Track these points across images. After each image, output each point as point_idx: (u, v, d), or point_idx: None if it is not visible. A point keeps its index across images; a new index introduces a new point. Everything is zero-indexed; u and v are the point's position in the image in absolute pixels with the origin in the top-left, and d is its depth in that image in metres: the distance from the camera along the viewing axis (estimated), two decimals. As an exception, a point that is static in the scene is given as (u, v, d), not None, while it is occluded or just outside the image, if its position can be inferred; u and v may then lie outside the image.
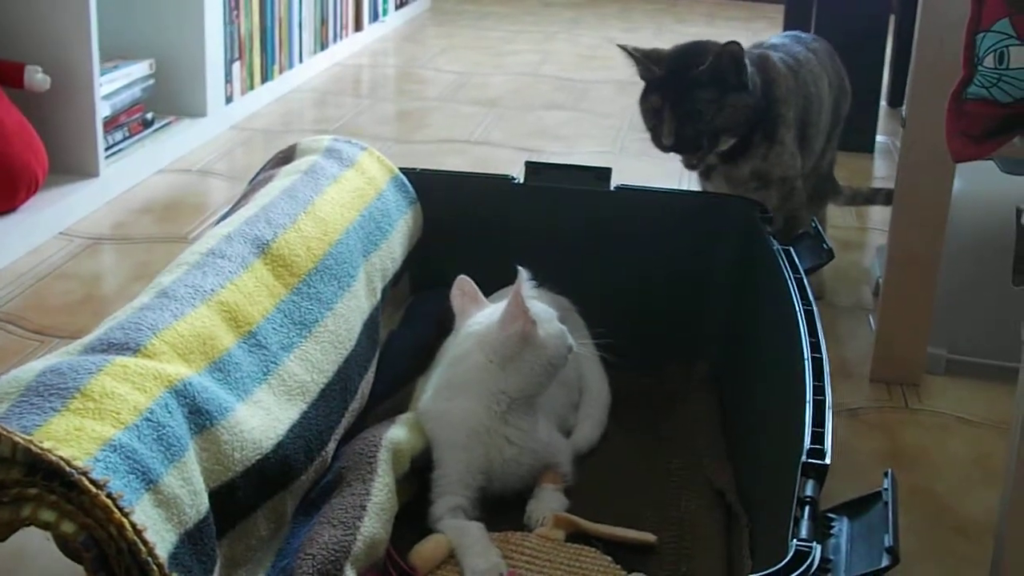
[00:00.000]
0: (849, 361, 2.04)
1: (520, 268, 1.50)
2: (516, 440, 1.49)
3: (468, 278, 1.60)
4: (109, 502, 0.98)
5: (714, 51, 1.95)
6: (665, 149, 2.01)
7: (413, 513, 1.43)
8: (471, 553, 1.36)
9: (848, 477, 1.66)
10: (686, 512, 1.49)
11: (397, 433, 1.46)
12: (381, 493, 1.35)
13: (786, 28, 4.47)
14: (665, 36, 4.85)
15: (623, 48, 2.02)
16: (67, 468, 0.97)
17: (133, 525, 0.99)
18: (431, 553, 1.36)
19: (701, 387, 1.78)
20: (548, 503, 1.47)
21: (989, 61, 1.41)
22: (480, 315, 1.56)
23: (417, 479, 1.47)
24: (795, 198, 2.12)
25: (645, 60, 2.01)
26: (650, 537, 1.43)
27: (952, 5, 1.68)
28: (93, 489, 0.97)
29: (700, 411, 1.72)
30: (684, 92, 1.95)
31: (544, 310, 1.54)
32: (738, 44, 1.95)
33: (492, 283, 1.73)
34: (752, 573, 0.96)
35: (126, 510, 0.99)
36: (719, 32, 5.03)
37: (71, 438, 1.01)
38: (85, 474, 0.98)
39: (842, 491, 1.13)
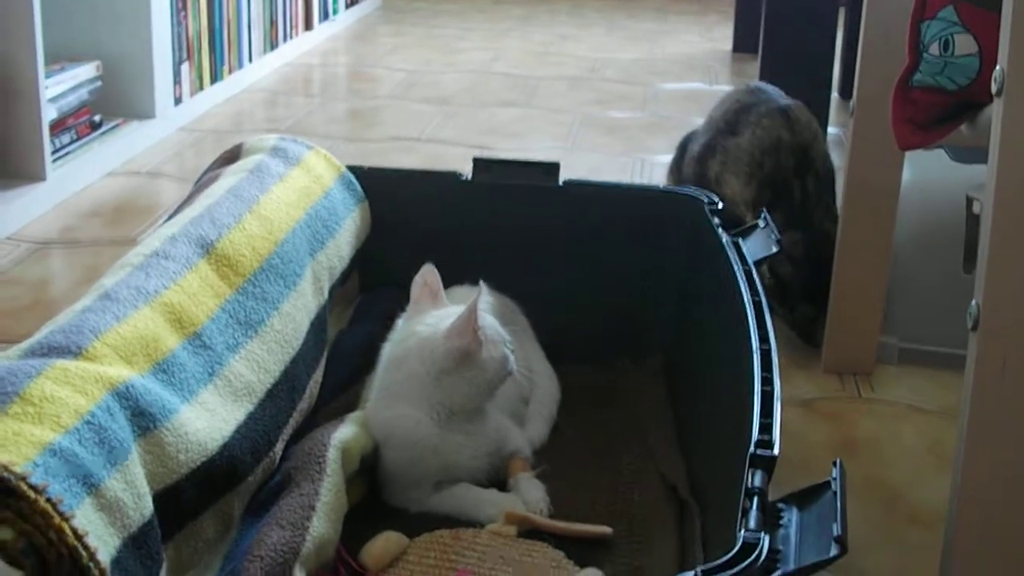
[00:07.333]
0: (802, 352, 2.04)
1: (481, 283, 1.48)
2: (468, 443, 1.47)
3: (434, 269, 1.56)
4: (48, 507, 0.96)
5: None
6: None
7: (363, 511, 1.42)
8: (487, 502, 1.43)
9: (801, 468, 1.66)
10: (638, 506, 1.49)
11: (346, 432, 1.44)
12: (330, 493, 1.33)
13: (738, 20, 4.50)
14: (617, 32, 4.86)
15: None
16: (5, 474, 0.96)
17: (74, 530, 0.98)
18: (381, 551, 1.34)
19: (652, 381, 1.77)
20: (533, 492, 1.46)
21: (934, 49, 1.41)
22: (431, 315, 1.52)
23: (367, 478, 1.46)
24: None
25: None
26: (606, 530, 1.41)
27: (897, -6, 1.68)
28: (32, 494, 0.96)
29: (651, 405, 1.71)
30: None
31: (494, 330, 1.50)
32: None
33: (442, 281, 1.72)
34: (704, 564, 0.95)
35: (66, 515, 0.98)
36: (671, 28, 5.04)
37: (9, 443, 1.00)
38: (23, 479, 0.96)
39: (796, 482, 1.12)
